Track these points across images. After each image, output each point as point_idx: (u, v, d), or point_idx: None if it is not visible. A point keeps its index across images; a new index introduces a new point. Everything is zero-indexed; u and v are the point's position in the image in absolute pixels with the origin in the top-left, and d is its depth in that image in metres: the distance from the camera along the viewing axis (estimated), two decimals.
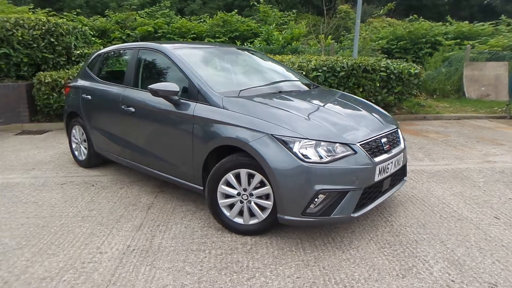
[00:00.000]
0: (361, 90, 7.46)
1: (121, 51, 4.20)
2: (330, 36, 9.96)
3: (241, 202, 2.87)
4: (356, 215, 2.69)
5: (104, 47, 9.30)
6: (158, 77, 3.65)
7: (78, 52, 8.11)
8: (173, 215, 3.29)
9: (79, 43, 8.42)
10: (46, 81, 6.99)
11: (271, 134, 2.63)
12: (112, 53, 4.33)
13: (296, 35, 9.76)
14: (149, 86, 3.15)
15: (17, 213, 3.34)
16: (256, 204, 2.84)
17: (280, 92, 3.42)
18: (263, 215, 2.83)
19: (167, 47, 3.56)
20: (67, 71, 7.29)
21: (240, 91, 3.16)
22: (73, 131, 4.66)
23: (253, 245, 2.78)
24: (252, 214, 2.88)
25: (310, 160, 2.55)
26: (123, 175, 4.34)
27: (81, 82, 4.49)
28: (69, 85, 4.73)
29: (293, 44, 9.55)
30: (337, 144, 2.64)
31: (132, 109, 3.60)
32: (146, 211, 3.37)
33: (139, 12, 11.38)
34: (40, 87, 7.05)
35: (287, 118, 2.76)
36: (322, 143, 2.61)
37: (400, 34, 11.29)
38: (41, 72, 7.20)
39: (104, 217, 3.25)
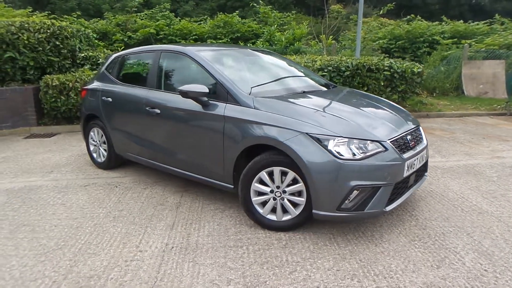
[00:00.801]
0: (365, 89, 7.59)
1: (141, 54, 4.25)
2: (331, 37, 10.10)
3: (274, 199, 2.96)
4: (388, 209, 2.79)
5: (106, 49, 9.35)
6: (183, 79, 3.71)
7: (83, 55, 8.12)
8: (203, 213, 3.36)
9: (83, 46, 8.42)
10: (54, 84, 6.98)
11: (306, 133, 2.72)
12: (132, 55, 4.38)
13: (298, 36, 9.89)
14: (179, 88, 3.22)
15: (47, 215, 3.37)
16: (288, 200, 2.92)
17: (304, 92, 3.51)
18: (296, 212, 2.92)
19: (191, 49, 3.63)
20: (74, 74, 7.29)
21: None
22: (91, 133, 4.70)
23: (288, 240, 2.86)
24: (284, 211, 2.97)
25: (344, 157, 2.65)
26: (143, 176, 4.40)
27: (99, 85, 4.53)
28: (86, 87, 4.77)
29: (295, 44, 9.67)
30: (369, 141, 2.74)
31: (158, 111, 3.66)
32: (176, 210, 3.43)
33: (139, 14, 11.39)
34: (48, 90, 7.04)
35: (319, 116, 2.86)
36: (355, 141, 2.71)
37: (398, 33, 11.48)
38: (48, 75, 7.19)
39: (136, 217, 3.30)
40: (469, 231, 2.99)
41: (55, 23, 7.67)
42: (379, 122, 2.99)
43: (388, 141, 2.79)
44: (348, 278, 2.38)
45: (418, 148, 3.12)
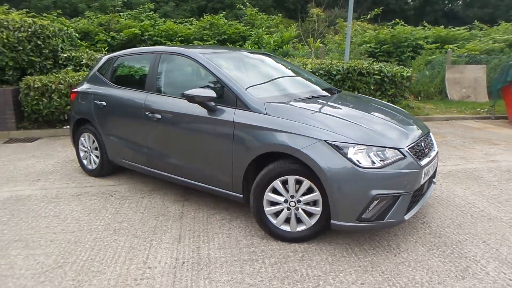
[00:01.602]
0: (356, 92, 7.58)
1: (138, 55, 4.05)
2: (318, 40, 10.09)
3: (288, 209, 2.83)
4: (406, 218, 2.71)
5: (89, 50, 8.99)
6: (185, 83, 3.54)
7: (66, 55, 7.77)
8: (209, 224, 3.20)
9: (66, 46, 8.07)
10: (35, 86, 6.62)
11: (324, 140, 2.61)
12: (127, 57, 4.17)
13: (286, 39, 9.83)
14: (185, 92, 3.05)
15: (41, 229, 3.13)
16: (303, 210, 2.80)
17: (312, 97, 3.41)
18: (311, 222, 2.80)
19: (195, 52, 3.46)
20: (56, 75, 6.95)
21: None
22: (82, 138, 4.44)
23: (304, 252, 2.74)
24: (298, 221, 2.85)
25: (365, 166, 2.55)
26: (139, 184, 4.18)
27: (91, 87, 4.29)
28: (76, 90, 4.51)
29: (283, 47, 9.60)
30: (387, 148, 2.66)
31: (158, 116, 3.47)
32: (180, 221, 3.25)
33: (121, 14, 11.04)
34: (29, 92, 6.67)
35: (335, 123, 2.75)
36: (373, 148, 2.62)
37: (383, 38, 11.61)
38: (29, 77, 6.82)
39: (138, 229, 3.11)
40: (484, 239, 2.95)
41: (36, 21, 7.30)
42: (394, 128, 2.92)
43: (406, 148, 2.72)
44: None
45: (432, 155, 3.07)
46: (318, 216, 2.77)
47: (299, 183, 2.76)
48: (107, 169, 4.33)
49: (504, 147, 5.85)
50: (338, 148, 2.58)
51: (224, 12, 11.64)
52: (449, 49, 10.55)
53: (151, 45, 10.35)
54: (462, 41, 11.86)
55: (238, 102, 3.02)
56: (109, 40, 9.97)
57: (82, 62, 7.86)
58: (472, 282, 2.38)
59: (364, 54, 10.47)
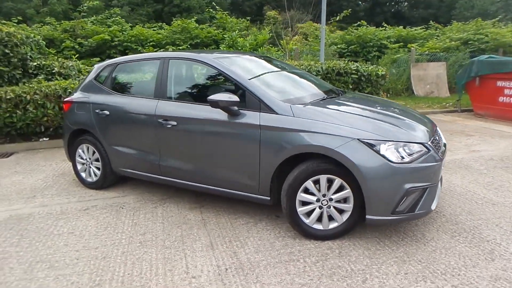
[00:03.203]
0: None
1: (142, 62, 3.94)
2: (291, 42, 10.29)
3: (320, 207, 2.89)
4: (433, 208, 2.86)
5: (58, 57, 8.56)
6: (200, 88, 3.50)
7: (35, 63, 7.35)
8: (236, 229, 3.19)
9: (34, 54, 7.63)
10: (8, 97, 6.21)
11: (357, 139, 2.70)
12: (129, 64, 4.03)
13: (261, 41, 9.92)
14: (208, 98, 3.03)
15: (59, 247, 2.97)
16: (334, 208, 2.88)
17: (326, 98, 3.49)
18: (343, 218, 2.88)
19: (209, 56, 3.44)
20: (31, 85, 6.55)
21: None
22: (80, 150, 4.24)
23: (340, 248, 2.81)
24: (330, 219, 2.92)
25: (396, 161, 2.67)
26: (146, 194, 4.06)
27: (89, 96, 4.11)
28: (70, 100, 4.30)
29: (259, 50, 9.68)
30: (413, 143, 2.79)
31: (173, 123, 3.40)
32: (204, 228, 3.21)
33: (86, 19, 10.58)
34: (0, 105, 6.25)
35: (363, 122, 2.85)
36: (402, 144, 2.75)
37: (350, 38, 12.05)
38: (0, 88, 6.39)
39: (165, 240, 3.03)
40: (496, 222, 3.18)
41: (2, 28, 6.86)
42: (413, 124, 3.07)
43: (429, 142, 2.87)
44: (421, 281, 2.40)
45: (443, 147, 3.26)
46: (349, 213, 2.86)
47: (329, 181, 2.84)
48: (110, 180, 4.17)
49: (479, 138, 6.29)
50: (371, 146, 2.68)
51: (195, 17, 11.47)
52: (412, 48, 11.15)
53: (122, 51, 10.08)
54: (421, 40, 12.57)
55: (262, 105, 3.04)
56: (76, 46, 9.54)
57: (54, 71, 7.48)
58: (502, 263, 2.57)
59: (335, 54, 10.80)
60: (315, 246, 2.86)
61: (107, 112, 3.88)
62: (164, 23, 11.95)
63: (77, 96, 4.26)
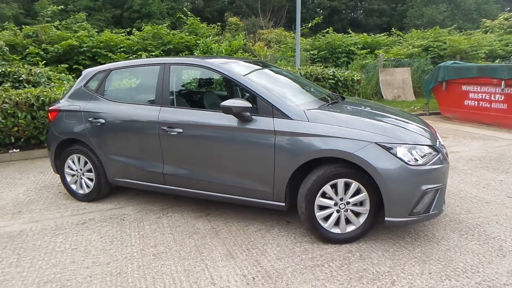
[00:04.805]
0: None
1: (139, 68, 3.79)
2: (265, 48, 10.36)
3: (338, 211, 2.92)
4: (444, 208, 2.98)
5: (23, 64, 8.06)
6: (207, 94, 3.43)
7: (0, 70, 6.87)
8: (250, 236, 3.14)
9: None
10: None
11: (375, 142, 2.75)
12: (124, 70, 3.87)
13: (236, 47, 9.90)
14: (221, 104, 2.98)
15: (66, 264, 2.77)
16: (351, 211, 2.92)
17: (334, 103, 3.54)
18: (360, 221, 2.92)
19: (215, 62, 3.39)
20: None
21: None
22: (69, 161, 3.99)
23: (360, 251, 2.85)
24: (347, 222, 2.95)
25: (413, 163, 2.75)
26: (143, 204, 3.90)
27: (79, 104, 3.89)
28: (56, 108, 4.05)
29: (234, 56, 9.64)
30: (424, 146, 2.89)
31: (179, 130, 3.30)
32: (217, 237, 3.14)
33: (49, 24, 10.02)
34: None
35: (377, 125, 2.92)
36: (416, 147, 2.84)
37: (319, 45, 12.34)
38: None
39: (180, 251, 2.92)
40: (495, 220, 3.36)
41: None
42: (420, 128, 3.18)
43: (438, 145, 2.99)
44: (446, 279, 2.48)
45: (445, 149, 3.40)
46: (366, 215, 2.91)
47: (346, 185, 2.87)
48: (104, 192, 3.97)
49: (453, 139, 6.64)
50: (388, 149, 2.75)
51: (166, 24, 11.22)
52: (380, 54, 11.60)
53: (91, 57, 9.67)
54: (386, 47, 13.12)
55: (275, 111, 3.02)
56: (41, 53, 9.02)
57: (21, 78, 7.04)
58: None
59: (307, 60, 11.01)
60: (334, 250, 2.87)
61: (102, 121, 3.70)
62: (135, 29, 11.59)
63: (65, 104, 4.03)
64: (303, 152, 2.88)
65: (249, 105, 2.98)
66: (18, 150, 6.24)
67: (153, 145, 3.47)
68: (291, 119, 2.97)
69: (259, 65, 4.07)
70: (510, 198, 3.86)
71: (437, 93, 8.96)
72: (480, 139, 6.59)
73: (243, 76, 3.23)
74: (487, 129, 7.47)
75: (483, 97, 8.01)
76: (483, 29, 19.14)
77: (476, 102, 8.16)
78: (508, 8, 39.57)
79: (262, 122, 3.03)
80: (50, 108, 4.18)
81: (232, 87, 3.26)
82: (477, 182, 4.37)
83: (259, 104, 3.08)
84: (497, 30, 18.37)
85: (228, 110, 2.98)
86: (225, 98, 3.31)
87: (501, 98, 7.67)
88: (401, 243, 2.97)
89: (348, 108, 3.44)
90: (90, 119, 3.76)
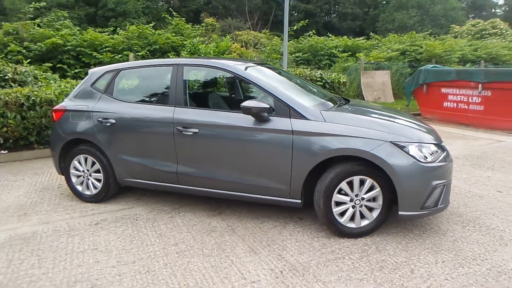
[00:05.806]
0: None
1: (151, 68, 3.81)
2: (251, 49, 10.46)
3: (353, 207, 3.07)
4: (449, 202, 3.19)
5: (6, 62, 7.79)
6: (223, 95, 3.50)
7: None
8: (268, 233, 3.24)
9: None
10: None
11: (390, 141, 2.93)
12: (134, 70, 3.88)
13: (223, 48, 9.95)
14: (242, 104, 3.07)
15: (91, 264, 2.78)
16: (365, 207, 3.08)
17: (341, 104, 3.70)
18: (373, 216, 3.09)
19: (230, 64, 3.47)
20: None
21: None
22: (75, 162, 3.95)
23: (375, 244, 3.01)
24: (361, 217, 3.11)
25: (423, 160, 2.95)
26: (153, 204, 3.92)
27: (87, 104, 3.87)
28: (61, 108, 4.01)
29: (221, 57, 9.69)
30: (432, 144, 3.10)
31: (195, 130, 3.37)
32: (236, 234, 3.22)
33: (30, 22, 9.72)
34: None
35: (388, 125, 3.09)
36: (425, 145, 3.04)
37: (302, 47, 12.59)
38: None
39: (202, 248, 2.99)
40: (491, 212, 3.62)
41: None
42: (425, 128, 3.39)
43: (443, 143, 3.20)
44: (459, 267, 2.67)
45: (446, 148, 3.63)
46: (379, 210, 3.08)
47: (360, 182, 3.03)
48: (112, 192, 3.96)
49: None
50: (402, 147, 2.93)
51: (152, 24, 11.10)
52: (361, 57, 11.97)
53: (75, 56, 9.45)
54: (365, 50, 13.54)
55: (291, 112, 3.15)
56: (23, 51, 8.75)
57: (6, 77, 6.82)
58: None
59: (292, 62, 11.21)
60: (351, 244, 3.02)
61: (112, 121, 3.70)
62: (119, 28, 11.41)
63: (71, 104, 3.99)
64: (321, 151, 3.02)
65: (268, 106, 3.09)
66: (7, 151, 6.06)
67: (167, 145, 3.51)
68: (308, 119, 3.10)
69: (269, 68, 4.18)
70: (501, 193, 4.14)
71: (418, 95, 9.37)
72: (461, 139, 6.96)
73: (263, 79, 3.34)
74: (465, 129, 7.90)
75: (461, 99, 8.46)
76: (452, 34, 20.09)
77: (454, 104, 8.59)
78: (472, 15, 41.61)
79: (280, 123, 3.14)
80: (55, 108, 4.12)
81: (245, 88, 3.34)
82: (467, 178, 4.66)
83: (276, 105, 3.20)
84: (465, 35, 19.33)
85: (248, 111, 3.08)
86: (239, 99, 3.40)
87: (478, 100, 8.13)
88: (411, 235, 3.16)
89: (358, 109, 3.61)
90: (100, 119, 3.75)
